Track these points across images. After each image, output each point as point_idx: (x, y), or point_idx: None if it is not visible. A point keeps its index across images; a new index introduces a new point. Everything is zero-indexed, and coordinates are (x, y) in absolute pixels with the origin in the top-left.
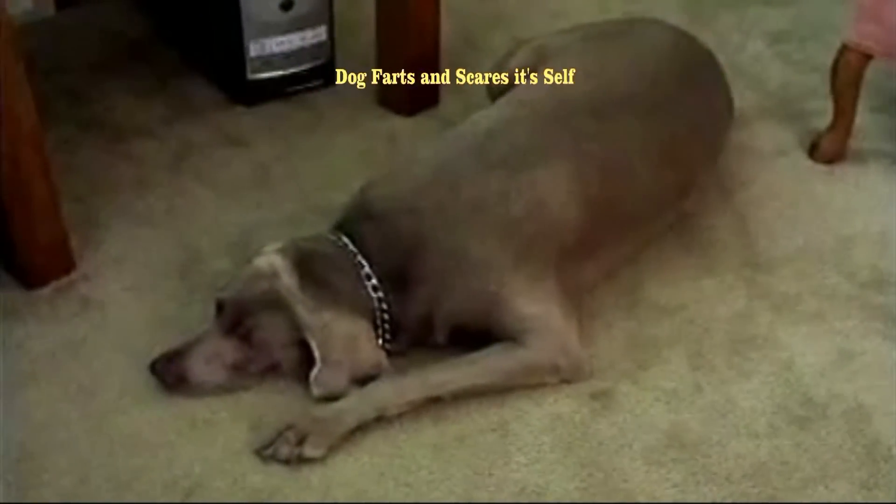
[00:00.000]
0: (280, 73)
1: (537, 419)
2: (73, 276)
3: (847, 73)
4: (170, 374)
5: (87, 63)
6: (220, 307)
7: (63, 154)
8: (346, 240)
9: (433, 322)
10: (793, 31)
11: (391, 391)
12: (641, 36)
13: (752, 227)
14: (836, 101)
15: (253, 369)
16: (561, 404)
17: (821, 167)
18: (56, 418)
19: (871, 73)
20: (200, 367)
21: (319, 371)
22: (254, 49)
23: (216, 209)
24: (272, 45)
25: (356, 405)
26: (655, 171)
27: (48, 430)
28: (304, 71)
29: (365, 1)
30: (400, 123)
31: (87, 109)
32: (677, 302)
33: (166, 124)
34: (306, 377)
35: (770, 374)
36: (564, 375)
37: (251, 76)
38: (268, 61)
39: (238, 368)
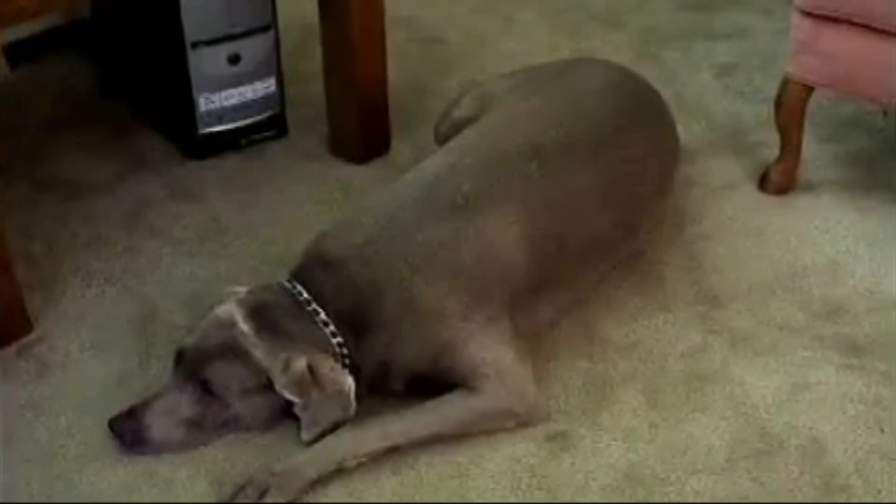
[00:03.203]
0: (231, 125)
1: (495, 464)
2: (31, 337)
3: (791, 105)
4: (127, 432)
5: (40, 121)
6: (179, 357)
7: (18, 214)
8: (300, 288)
9: (390, 369)
10: (739, 64)
11: (349, 443)
12: (584, 76)
13: (703, 262)
14: (783, 133)
15: (211, 422)
16: (518, 447)
17: (771, 198)
18: (17, 480)
19: (817, 103)
20: (158, 424)
21: (302, 412)
22: (204, 103)
23: (172, 264)
24: (222, 99)
25: (315, 458)
26: (602, 212)
27: (9, 493)
28: (255, 123)
29: (313, 51)
30: (353, 171)
31: (41, 168)
32: (632, 340)
33: (120, 180)
34: (266, 427)
35: (726, 409)
36: (521, 419)
37: (202, 130)
38: (218, 115)
39: (197, 423)
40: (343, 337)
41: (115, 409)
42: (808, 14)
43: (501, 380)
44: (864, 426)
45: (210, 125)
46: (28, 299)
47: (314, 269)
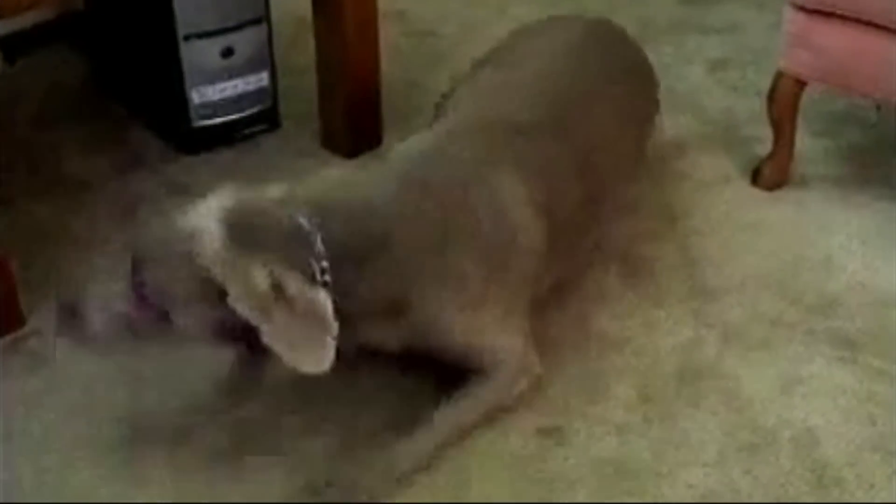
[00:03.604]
0: (224, 119)
1: (489, 458)
2: (24, 331)
3: (783, 100)
4: (66, 321)
5: (32, 115)
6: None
7: (11, 209)
8: (303, 219)
9: (384, 335)
10: (732, 58)
11: (406, 455)
12: (557, 40)
13: (697, 256)
14: (776, 128)
15: (148, 329)
16: (512, 442)
17: (764, 193)
18: (8, 473)
19: (810, 97)
20: (96, 318)
21: (272, 340)
22: (197, 97)
23: None
24: (215, 92)
25: (379, 479)
26: (585, 178)
27: (9, 490)
28: (248, 116)
29: (306, 45)
30: (345, 165)
31: (35, 164)
32: (625, 335)
33: (113, 174)
34: (217, 347)
35: (719, 403)
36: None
37: (195, 124)
38: (211, 108)
39: (134, 326)
40: (335, 279)
41: (107, 406)
42: (801, 8)
43: (514, 364)
44: (856, 420)
45: (203, 119)
46: (21, 293)
47: (327, 208)
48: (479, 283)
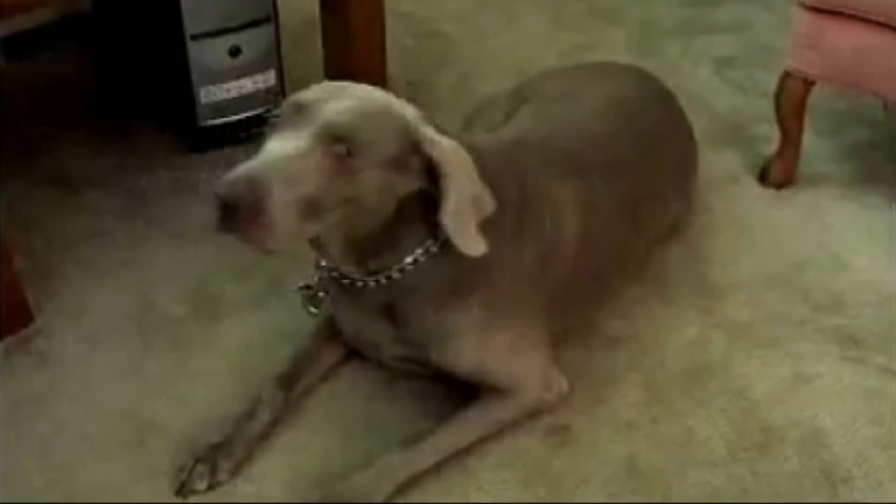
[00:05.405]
0: (231, 118)
1: (496, 457)
2: (31, 329)
3: (791, 100)
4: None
5: (39, 114)
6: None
7: (17, 207)
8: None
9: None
10: (740, 57)
11: (408, 461)
12: (613, 80)
13: (704, 255)
14: (783, 127)
15: (330, 203)
16: (519, 441)
17: (771, 192)
18: (17, 471)
19: (816, 96)
20: (282, 194)
21: (450, 200)
22: (204, 96)
23: (172, 258)
24: (222, 92)
25: (377, 479)
26: (630, 228)
27: (9, 484)
28: (255, 116)
29: (313, 44)
30: None
31: (41, 161)
32: (632, 332)
33: (119, 174)
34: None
35: (726, 402)
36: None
37: (202, 123)
38: (218, 107)
39: (316, 203)
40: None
41: (114, 403)
42: (809, 8)
43: (537, 382)
44: (863, 419)
45: (210, 118)
46: (28, 292)
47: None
48: (506, 300)
